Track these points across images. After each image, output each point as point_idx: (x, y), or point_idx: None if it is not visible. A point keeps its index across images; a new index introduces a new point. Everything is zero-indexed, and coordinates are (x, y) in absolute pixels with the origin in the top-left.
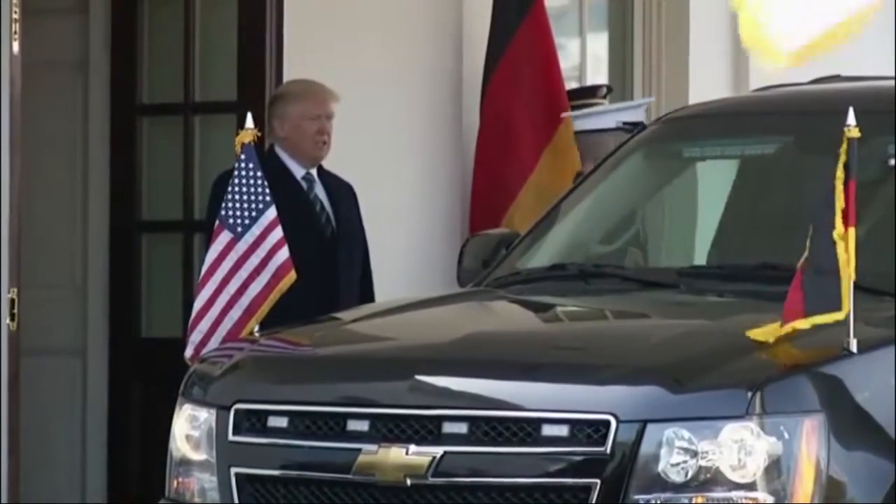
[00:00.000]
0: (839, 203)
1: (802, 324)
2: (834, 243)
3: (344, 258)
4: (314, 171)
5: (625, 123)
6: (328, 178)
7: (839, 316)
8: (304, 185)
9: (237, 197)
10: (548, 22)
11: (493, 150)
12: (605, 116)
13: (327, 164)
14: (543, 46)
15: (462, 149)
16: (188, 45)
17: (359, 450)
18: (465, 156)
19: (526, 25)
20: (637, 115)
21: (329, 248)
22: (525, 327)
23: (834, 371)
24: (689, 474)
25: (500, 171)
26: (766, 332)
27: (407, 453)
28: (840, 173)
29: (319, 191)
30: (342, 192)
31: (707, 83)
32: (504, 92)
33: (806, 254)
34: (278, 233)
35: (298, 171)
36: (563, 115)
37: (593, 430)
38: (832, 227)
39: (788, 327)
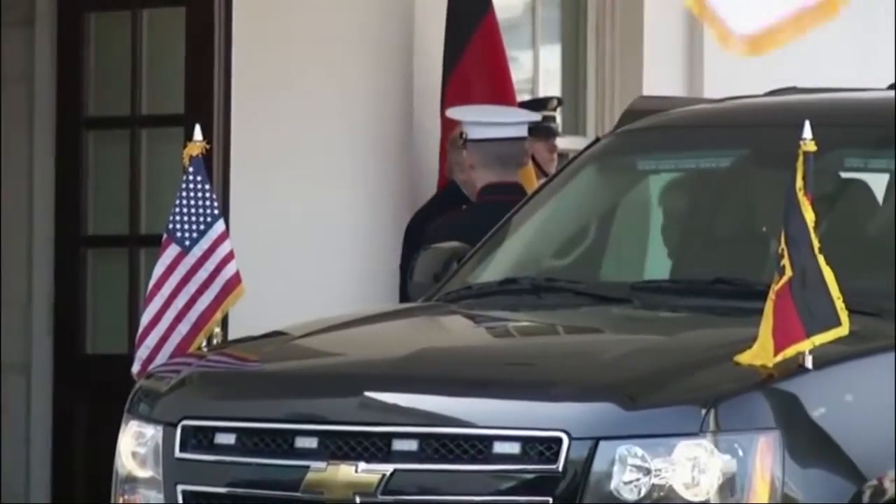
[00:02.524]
0: (808, 216)
1: (805, 345)
2: (815, 258)
3: None
4: None
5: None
6: None
7: (842, 331)
8: None
9: (185, 210)
10: (499, 34)
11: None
12: (494, 127)
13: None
14: (495, 59)
15: (414, 168)
16: (135, 57)
17: (307, 467)
18: (417, 175)
19: (477, 38)
20: (520, 131)
21: None
22: (476, 343)
23: (790, 388)
24: (642, 492)
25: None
26: (756, 356)
27: (356, 471)
28: (801, 185)
29: None
30: None
31: (661, 94)
32: (459, 103)
33: (789, 272)
34: (227, 246)
35: None
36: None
37: (545, 448)
38: (807, 241)
39: (791, 350)
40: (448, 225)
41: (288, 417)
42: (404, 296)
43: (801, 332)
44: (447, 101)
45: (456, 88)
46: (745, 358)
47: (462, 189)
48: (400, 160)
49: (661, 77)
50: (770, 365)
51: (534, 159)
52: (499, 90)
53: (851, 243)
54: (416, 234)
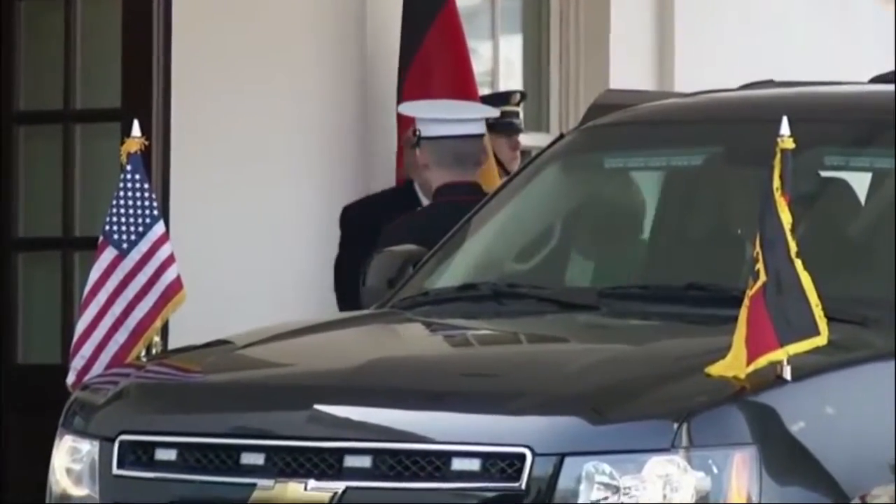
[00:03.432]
0: (785, 218)
1: (779, 355)
2: (791, 262)
3: None
4: None
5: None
6: None
7: (820, 341)
8: None
9: (123, 211)
10: (459, 24)
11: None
12: (449, 124)
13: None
14: (455, 51)
15: (368, 166)
16: (69, 47)
17: (254, 485)
18: (372, 173)
19: (436, 28)
20: (477, 128)
21: None
22: (433, 352)
23: (767, 400)
24: None
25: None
26: (729, 367)
27: (306, 489)
28: (778, 185)
29: None
30: None
31: (630, 88)
32: (415, 99)
33: (763, 277)
34: (167, 249)
35: None
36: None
37: (507, 465)
38: (783, 244)
39: (763, 360)
40: (403, 227)
41: (233, 432)
42: (343, 293)
43: (775, 340)
44: (404, 96)
45: (414, 83)
46: (716, 369)
47: (419, 191)
48: (353, 157)
49: (628, 69)
50: (742, 376)
51: (496, 157)
52: (460, 84)
53: (832, 247)
54: (356, 225)
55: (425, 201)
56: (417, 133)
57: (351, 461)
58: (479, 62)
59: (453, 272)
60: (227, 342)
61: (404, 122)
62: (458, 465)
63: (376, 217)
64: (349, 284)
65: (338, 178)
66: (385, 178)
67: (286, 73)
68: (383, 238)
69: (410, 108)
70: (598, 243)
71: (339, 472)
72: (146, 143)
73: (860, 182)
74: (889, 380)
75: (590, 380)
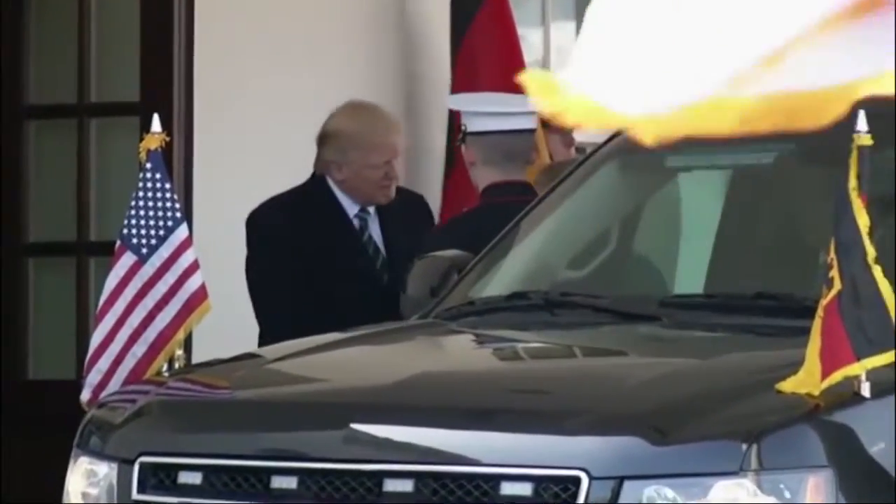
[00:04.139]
0: (862, 221)
1: (855, 369)
2: (869, 268)
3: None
4: (371, 206)
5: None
6: (391, 203)
7: None
8: (356, 223)
9: (142, 213)
10: (508, 9)
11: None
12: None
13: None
14: (503, 38)
15: (411, 162)
16: (83, 35)
17: None
18: (416, 170)
19: (483, 14)
20: (528, 122)
21: (385, 299)
22: (480, 367)
23: (843, 419)
24: None
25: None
26: (801, 383)
27: None
28: (854, 185)
29: (374, 229)
30: (402, 220)
31: None
32: (461, 91)
33: (838, 285)
34: (190, 255)
35: (352, 208)
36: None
37: (561, 489)
38: (860, 249)
39: (839, 375)
40: (446, 230)
41: (263, 453)
42: (257, 300)
43: (851, 354)
44: (452, 88)
45: (459, 74)
46: (788, 385)
47: (335, 186)
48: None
49: None
50: (816, 393)
51: (549, 155)
52: (509, 75)
53: None
54: (264, 226)
55: (342, 197)
56: (464, 128)
57: (391, 485)
58: (529, 51)
59: (501, 280)
60: (257, 356)
61: (458, 116)
62: (507, 489)
63: (285, 218)
64: (265, 293)
65: None
66: (432, 177)
67: (319, 65)
68: (425, 242)
69: (456, 101)
70: (659, 248)
71: (379, 497)
72: (167, 139)
73: None
74: None
75: (650, 397)
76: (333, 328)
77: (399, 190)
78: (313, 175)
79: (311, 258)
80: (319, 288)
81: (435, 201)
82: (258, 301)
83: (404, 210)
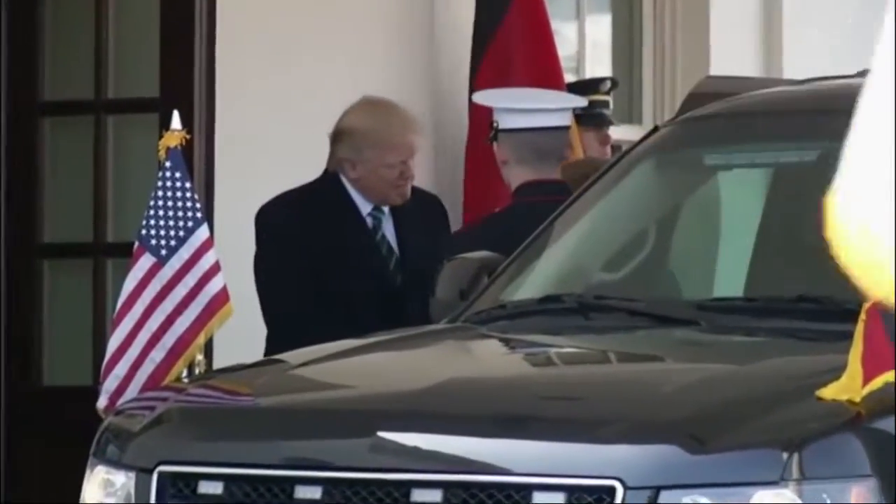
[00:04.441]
0: None
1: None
2: None
3: (415, 312)
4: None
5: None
6: (407, 204)
7: None
8: (369, 222)
9: (161, 213)
10: (542, 1)
11: (485, 158)
12: (530, 114)
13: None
14: (537, 32)
15: (437, 161)
16: (100, 29)
17: None
18: (441, 169)
19: (515, 7)
20: (562, 119)
21: (398, 300)
22: (511, 373)
23: (887, 426)
24: None
25: (495, 183)
26: (843, 390)
27: None
28: None
29: (388, 229)
30: (417, 221)
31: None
32: (491, 87)
33: None
34: (211, 256)
35: (365, 206)
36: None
37: (595, 499)
38: None
39: (880, 381)
40: (476, 230)
41: (286, 462)
42: (265, 298)
43: (892, 359)
44: (478, 83)
45: (490, 69)
46: (830, 392)
47: (348, 184)
48: (421, 156)
49: (731, 53)
50: (858, 399)
51: (583, 153)
52: (542, 70)
53: None
54: (273, 224)
55: (355, 195)
56: (495, 125)
57: (419, 495)
58: (564, 45)
59: (533, 282)
60: (280, 361)
61: (477, 113)
62: (539, 499)
63: (295, 215)
64: (272, 291)
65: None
66: (454, 174)
67: (343, 60)
68: (455, 243)
69: (486, 97)
70: (697, 250)
71: None
72: (187, 136)
73: None
74: None
75: (688, 403)
76: (343, 329)
77: (414, 190)
78: (325, 172)
79: (321, 256)
80: (330, 287)
81: (457, 200)
82: (265, 299)
83: (419, 211)
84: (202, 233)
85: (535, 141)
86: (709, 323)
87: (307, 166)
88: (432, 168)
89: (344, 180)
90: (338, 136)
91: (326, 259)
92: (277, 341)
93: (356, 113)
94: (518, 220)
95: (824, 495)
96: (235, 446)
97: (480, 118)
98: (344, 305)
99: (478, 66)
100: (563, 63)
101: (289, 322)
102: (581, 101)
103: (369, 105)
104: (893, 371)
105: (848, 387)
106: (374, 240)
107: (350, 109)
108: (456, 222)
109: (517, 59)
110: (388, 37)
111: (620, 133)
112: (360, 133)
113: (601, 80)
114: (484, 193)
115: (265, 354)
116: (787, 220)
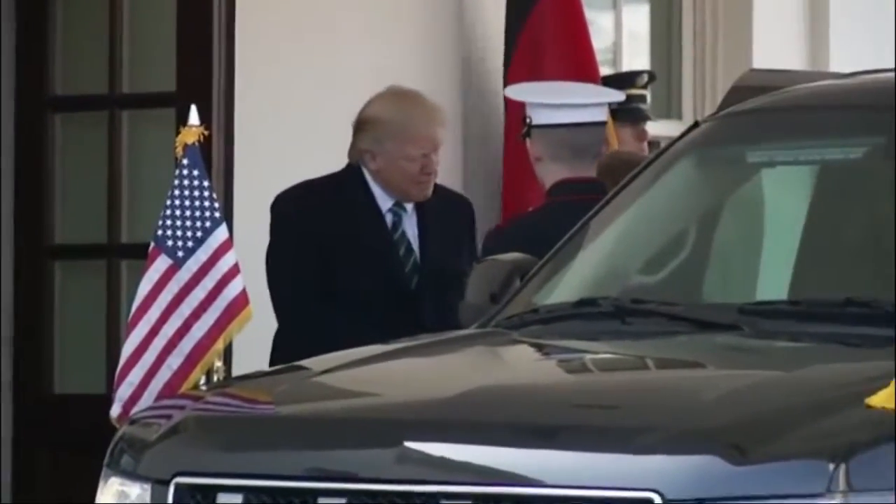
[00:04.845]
0: None
1: None
2: None
3: (433, 316)
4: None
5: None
6: (432, 203)
7: None
8: (389, 218)
9: (178, 212)
10: None
11: (523, 154)
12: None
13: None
14: (570, 23)
15: (467, 158)
16: (115, 20)
17: None
18: (472, 166)
19: None
20: (598, 114)
21: (412, 303)
22: (544, 380)
23: None
24: None
25: (533, 180)
26: (890, 397)
27: None
28: None
29: (409, 226)
30: (443, 222)
31: (776, 67)
32: (525, 80)
33: None
34: (230, 258)
35: (386, 202)
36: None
37: None
38: None
39: None
40: (509, 231)
41: (309, 473)
42: (276, 289)
43: None
44: (510, 76)
45: (522, 61)
46: (879, 399)
47: (369, 176)
48: (449, 149)
49: (775, 45)
50: None
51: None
52: (576, 63)
53: None
54: (287, 213)
55: (376, 189)
56: (528, 120)
57: None
58: (600, 37)
59: (568, 285)
60: (302, 367)
61: (514, 106)
62: None
63: (309, 204)
64: (277, 282)
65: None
66: (486, 168)
67: (369, 52)
68: (486, 244)
69: (519, 92)
70: (739, 251)
71: None
72: (205, 132)
73: None
74: None
75: (729, 412)
76: (354, 327)
77: (442, 190)
78: (349, 164)
79: (333, 250)
80: (340, 283)
81: (488, 195)
82: (273, 290)
83: (446, 212)
84: (221, 233)
85: (570, 137)
86: (751, 328)
87: (332, 164)
88: (460, 161)
89: (366, 173)
90: (360, 126)
91: (338, 253)
92: (284, 335)
93: (380, 102)
94: (552, 219)
95: None
96: (256, 457)
97: (517, 112)
98: (354, 303)
99: (509, 57)
100: (599, 55)
101: (297, 316)
102: (618, 96)
103: (394, 95)
104: None
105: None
106: (391, 237)
107: (374, 98)
108: (491, 219)
109: (549, 50)
110: (412, 24)
111: (659, 129)
112: (382, 123)
113: (638, 74)
114: (523, 190)
115: (272, 348)
116: (833, 220)
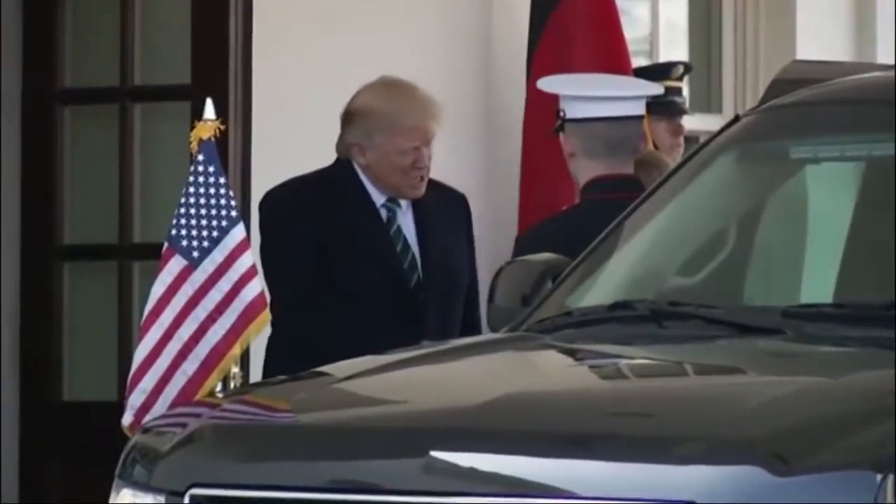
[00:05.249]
0: None
1: None
2: None
3: (433, 314)
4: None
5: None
6: (428, 198)
7: None
8: (383, 213)
9: (192, 211)
10: None
11: (543, 148)
12: (601, 103)
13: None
14: (601, 11)
15: (491, 152)
16: (126, 9)
17: None
18: (495, 160)
19: None
20: (636, 108)
21: (411, 301)
22: (578, 387)
23: None
24: None
25: (553, 177)
26: None
27: None
28: None
29: (405, 222)
30: (440, 218)
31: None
32: (551, 71)
33: None
34: (248, 259)
35: (379, 197)
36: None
37: None
38: None
39: None
40: (541, 231)
41: (330, 485)
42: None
43: None
44: (535, 67)
45: (549, 51)
46: None
47: (361, 171)
48: (474, 143)
49: (820, 35)
50: None
51: (654, 145)
52: (606, 53)
53: None
54: (278, 212)
55: (368, 184)
56: (561, 114)
57: None
58: (635, 26)
59: (602, 287)
60: (323, 374)
61: (536, 99)
62: None
63: (297, 201)
64: (270, 283)
65: (454, 166)
66: (509, 163)
67: (392, 44)
68: (517, 245)
69: (552, 84)
70: (782, 251)
71: None
72: (222, 126)
73: None
74: None
75: (771, 420)
76: (350, 327)
77: (436, 184)
78: (338, 159)
79: (328, 247)
80: (337, 282)
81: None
82: (269, 289)
83: (443, 207)
84: (237, 233)
85: (606, 132)
86: (795, 332)
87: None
88: (482, 156)
89: (357, 168)
90: (347, 118)
91: (333, 250)
92: (281, 336)
93: (369, 93)
94: (586, 218)
95: None
96: (275, 467)
97: (540, 105)
98: (354, 302)
99: (535, 47)
100: (635, 46)
101: (298, 317)
102: (657, 89)
103: (384, 85)
104: None
105: None
106: (386, 233)
107: (363, 89)
108: (514, 217)
109: (578, 40)
110: (438, 17)
111: (697, 123)
112: (371, 115)
113: (673, 65)
114: (542, 188)
115: (267, 349)
116: (880, 219)
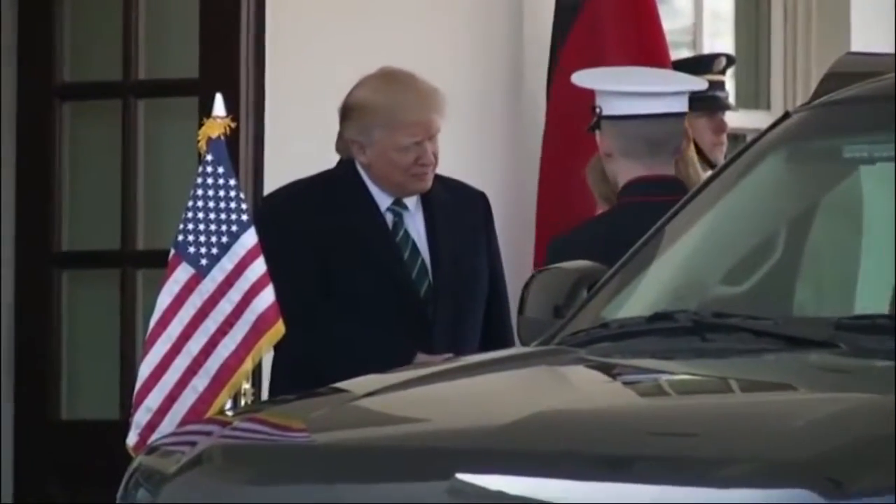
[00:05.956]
0: None
1: None
2: None
3: (445, 326)
4: (411, 198)
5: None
6: (440, 197)
7: None
8: (389, 218)
9: (201, 215)
10: None
11: (566, 150)
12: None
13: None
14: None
15: (520, 150)
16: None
17: None
18: (524, 159)
19: None
20: (678, 104)
21: (422, 311)
22: (615, 404)
23: None
24: None
25: (575, 179)
26: None
27: None
28: None
29: (414, 225)
30: (454, 219)
31: (877, 50)
32: (580, 66)
33: None
34: (259, 266)
35: (384, 199)
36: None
37: None
38: None
39: None
40: (576, 236)
41: None
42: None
43: None
44: (562, 60)
45: (579, 42)
46: None
47: (364, 173)
48: (500, 141)
49: (876, 26)
50: None
51: (694, 143)
52: (642, 45)
53: None
54: (279, 215)
55: (371, 185)
56: (598, 111)
57: None
58: (677, 17)
59: (641, 297)
60: (341, 390)
61: (561, 95)
62: None
63: (296, 206)
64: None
65: (479, 165)
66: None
67: (415, 32)
68: (551, 252)
69: (588, 78)
70: (835, 258)
71: None
72: (232, 124)
73: None
74: None
75: (823, 440)
76: (354, 340)
77: (452, 182)
78: (341, 159)
79: (329, 254)
80: (340, 290)
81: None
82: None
83: (456, 207)
84: (248, 239)
85: (646, 130)
86: (849, 345)
87: None
88: (516, 156)
89: (359, 168)
90: (345, 114)
91: (336, 258)
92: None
93: (367, 86)
94: (624, 223)
95: None
96: (289, 490)
97: (563, 100)
98: (359, 311)
99: (563, 38)
100: (677, 37)
101: (305, 328)
102: (701, 84)
103: (383, 77)
104: None
105: None
106: (392, 239)
107: (361, 82)
108: (530, 216)
109: (610, 31)
110: (459, 12)
111: (743, 120)
112: (369, 110)
113: (715, 57)
114: (562, 190)
115: (274, 370)
116: None
